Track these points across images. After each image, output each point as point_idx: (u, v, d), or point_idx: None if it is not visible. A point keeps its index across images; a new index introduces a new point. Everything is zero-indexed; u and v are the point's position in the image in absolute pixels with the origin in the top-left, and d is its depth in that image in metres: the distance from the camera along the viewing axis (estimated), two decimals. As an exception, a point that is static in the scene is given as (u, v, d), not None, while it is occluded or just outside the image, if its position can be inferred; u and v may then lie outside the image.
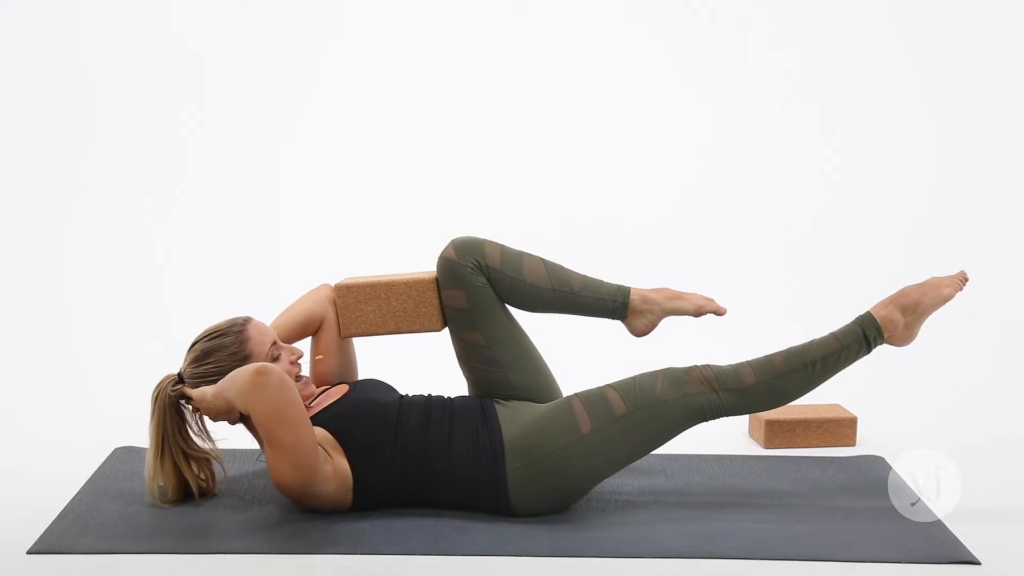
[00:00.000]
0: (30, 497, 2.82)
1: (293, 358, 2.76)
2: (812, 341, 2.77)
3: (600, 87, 4.65)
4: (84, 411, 3.52)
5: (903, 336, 2.80)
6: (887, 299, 2.81)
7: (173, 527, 2.62)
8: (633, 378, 2.75)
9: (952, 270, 2.93)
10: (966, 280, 2.83)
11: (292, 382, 2.55)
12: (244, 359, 2.68)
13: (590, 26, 4.64)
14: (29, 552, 2.50)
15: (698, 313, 2.90)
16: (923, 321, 2.81)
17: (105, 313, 4.19)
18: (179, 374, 2.72)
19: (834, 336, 2.77)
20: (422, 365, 3.53)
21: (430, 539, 2.56)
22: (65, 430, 3.36)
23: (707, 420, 2.74)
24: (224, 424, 2.72)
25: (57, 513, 2.70)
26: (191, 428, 2.75)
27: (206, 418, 2.74)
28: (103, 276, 4.31)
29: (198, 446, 2.76)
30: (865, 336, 2.76)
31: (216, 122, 4.55)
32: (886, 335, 2.78)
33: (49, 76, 4.47)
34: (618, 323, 2.94)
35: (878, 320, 2.77)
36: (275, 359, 2.73)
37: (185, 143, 4.54)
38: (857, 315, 2.80)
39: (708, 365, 2.75)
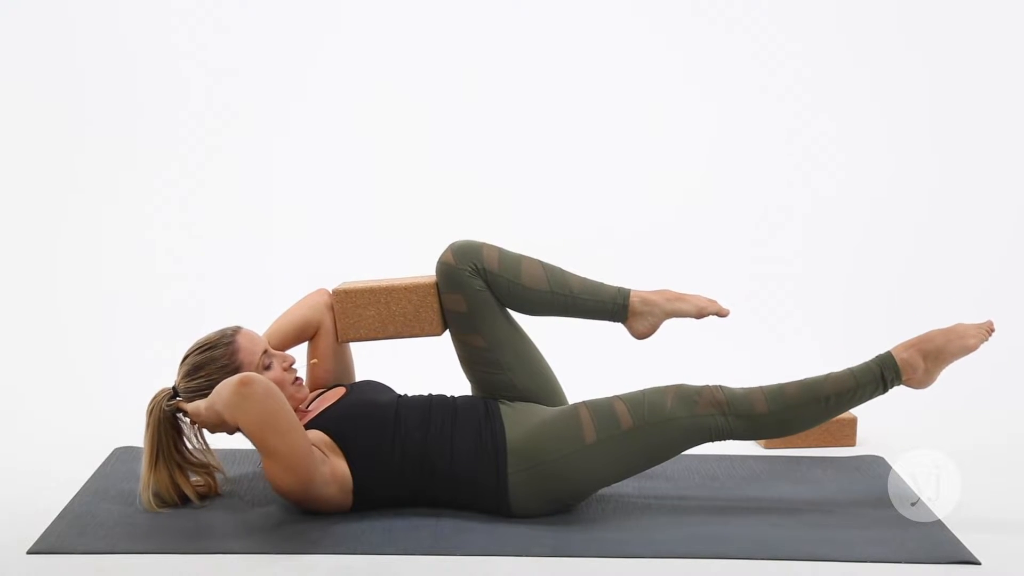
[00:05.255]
0: (30, 497, 2.82)
1: (286, 365, 2.75)
2: (828, 375, 2.74)
3: (600, 87, 4.64)
4: (84, 411, 3.52)
5: (921, 380, 2.77)
6: (910, 341, 2.77)
7: (173, 527, 2.62)
8: (643, 392, 2.73)
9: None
10: (992, 331, 2.79)
11: (278, 390, 2.51)
12: (235, 370, 2.66)
13: (590, 26, 4.64)
14: (29, 552, 2.50)
15: (700, 315, 2.88)
16: (943, 368, 2.77)
17: (105, 313, 4.18)
18: (173, 388, 2.72)
19: (851, 373, 2.74)
20: (426, 367, 3.53)
21: (430, 539, 2.56)
22: (65, 430, 3.37)
23: (712, 441, 2.72)
24: (224, 435, 2.71)
25: (57, 513, 2.70)
26: (190, 441, 2.74)
27: (205, 430, 2.73)
28: (103, 277, 4.31)
29: (195, 458, 2.76)
30: (883, 377, 2.73)
31: (215, 123, 4.55)
32: (904, 378, 2.75)
33: (49, 76, 4.47)
34: (620, 326, 2.93)
35: (898, 362, 2.74)
36: (267, 368, 2.71)
37: (185, 144, 4.53)
38: (878, 353, 2.76)
39: (720, 387, 2.73)
